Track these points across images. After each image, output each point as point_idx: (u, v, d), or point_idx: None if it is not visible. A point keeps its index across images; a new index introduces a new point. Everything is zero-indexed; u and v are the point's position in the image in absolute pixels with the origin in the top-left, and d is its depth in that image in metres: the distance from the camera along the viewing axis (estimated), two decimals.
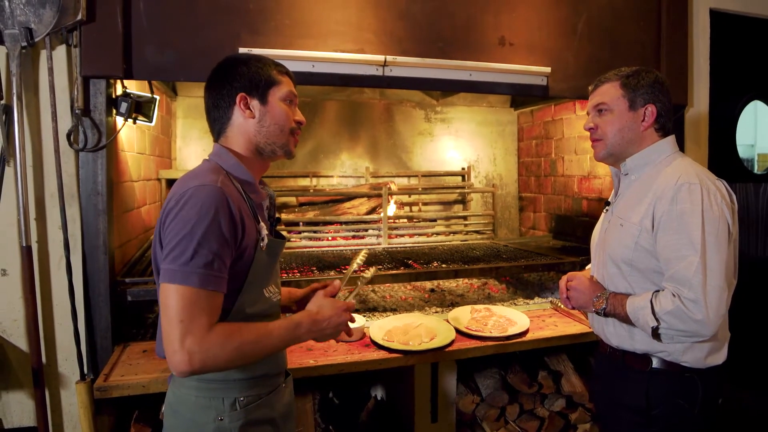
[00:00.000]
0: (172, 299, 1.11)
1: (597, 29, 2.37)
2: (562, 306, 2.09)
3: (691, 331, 1.35)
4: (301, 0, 2.02)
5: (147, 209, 2.61)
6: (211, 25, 1.93)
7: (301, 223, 3.11)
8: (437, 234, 3.46)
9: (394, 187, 3.30)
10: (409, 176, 3.69)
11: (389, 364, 1.91)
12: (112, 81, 1.91)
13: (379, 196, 3.20)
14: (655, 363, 1.49)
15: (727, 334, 1.53)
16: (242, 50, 1.90)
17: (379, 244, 3.19)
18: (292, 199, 3.35)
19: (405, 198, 3.63)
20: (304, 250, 3.01)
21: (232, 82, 1.30)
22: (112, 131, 1.91)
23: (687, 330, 1.36)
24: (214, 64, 1.92)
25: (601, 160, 1.65)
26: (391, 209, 3.33)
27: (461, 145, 3.78)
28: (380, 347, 1.96)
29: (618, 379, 1.60)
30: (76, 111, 1.82)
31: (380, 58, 2.04)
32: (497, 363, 2.33)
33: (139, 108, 1.98)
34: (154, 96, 2.04)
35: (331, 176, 3.51)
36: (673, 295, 1.37)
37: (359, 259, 1.60)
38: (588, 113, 1.66)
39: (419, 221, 3.45)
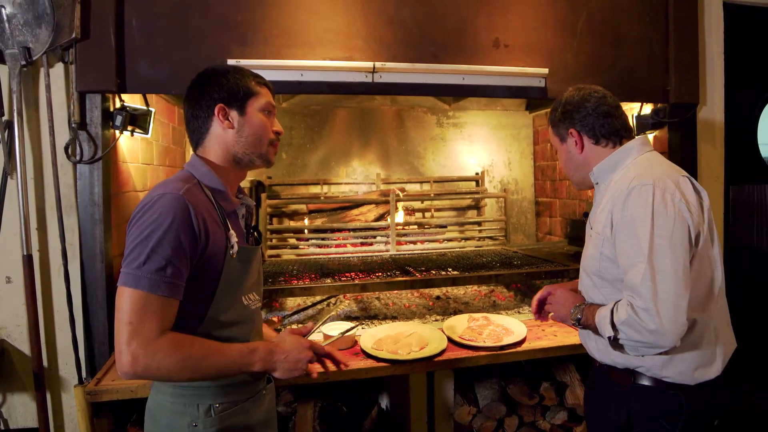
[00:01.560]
0: (123, 302, 1.13)
1: (598, 27, 2.29)
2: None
3: (648, 342, 1.27)
4: (289, 10, 2.04)
5: None
6: (202, 39, 1.98)
7: (306, 231, 3.13)
8: (448, 240, 3.42)
9: (400, 194, 3.28)
10: (421, 182, 3.66)
11: (376, 373, 1.89)
12: (108, 95, 1.98)
13: (388, 203, 3.19)
14: (640, 379, 1.42)
15: (720, 345, 1.41)
16: (231, 62, 1.94)
17: (387, 251, 3.17)
18: (303, 207, 3.39)
19: (417, 204, 3.61)
20: (312, 257, 3.03)
21: (210, 93, 1.32)
22: (109, 144, 1.98)
23: (644, 341, 1.27)
24: None
25: (581, 190, 1.64)
26: (400, 216, 3.31)
27: (475, 149, 3.72)
28: (369, 356, 1.94)
29: (603, 394, 1.53)
30: (73, 125, 1.89)
31: (369, 64, 2.04)
32: (499, 373, 2.27)
33: (135, 120, 2.04)
34: (150, 109, 2.11)
35: (342, 183, 3.53)
36: (629, 304, 1.30)
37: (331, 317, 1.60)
38: None
39: (429, 228, 3.41)
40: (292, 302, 2.74)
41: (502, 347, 1.98)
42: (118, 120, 1.96)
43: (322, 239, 3.17)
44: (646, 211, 1.31)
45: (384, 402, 2.40)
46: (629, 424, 1.41)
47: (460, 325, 2.18)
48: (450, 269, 2.55)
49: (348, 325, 2.08)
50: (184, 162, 3.31)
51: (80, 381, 1.91)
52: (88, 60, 1.88)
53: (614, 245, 1.38)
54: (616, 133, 1.53)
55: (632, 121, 2.55)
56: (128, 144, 2.25)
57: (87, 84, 1.89)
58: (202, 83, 1.34)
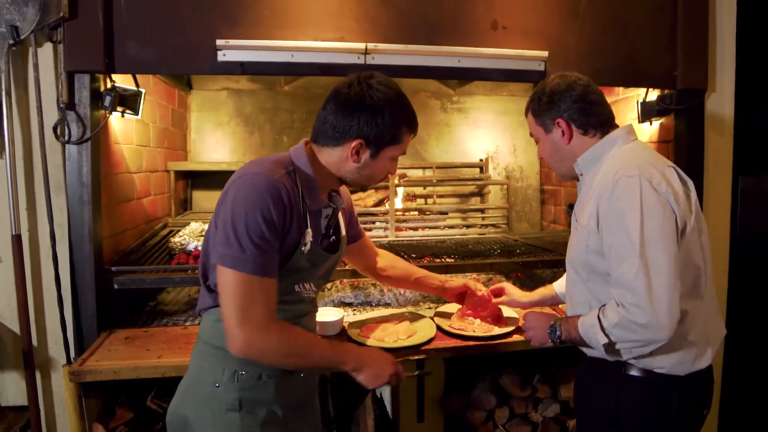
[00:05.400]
0: (229, 284, 1.19)
1: (602, 9, 2.20)
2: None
3: (644, 340, 1.24)
4: None
5: (152, 200, 2.68)
6: (191, 19, 1.94)
7: None
8: (450, 227, 3.37)
9: (399, 179, 3.23)
10: (424, 168, 3.61)
11: None
12: (97, 76, 1.96)
13: (387, 188, 3.15)
14: (630, 370, 1.38)
15: (710, 333, 1.38)
16: (220, 42, 1.90)
17: (386, 236, 3.14)
18: None
19: (419, 190, 3.56)
20: None
21: (360, 123, 1.30)
22: (98, 124, 1.96)
23: (640, 339, 1.24)
24: (194, 57, 1.96)
25: (563, 180, 1.60)
26: (398, 202, 3.27)
27: (479, 135, 3.66)
28: (355, 343, 1.92)
29: (593, 385, 1.50)
30: (61, 105, 1.88)
31: (361, 46, 1.98)
32: (492, 363, 2.24)
33: (125, 101, 2.03)
34: (140, 89, 2.08)
35: None
36: (618, 304, 1.26)
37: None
38: None
39: (430, 214, 3.37)
40: None
41: (493, 337, 1.94)
42: (107, 100, 1.94)
43: None
44: (634, 204, 1.26)
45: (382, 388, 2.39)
46: (618, 416, 1.37)
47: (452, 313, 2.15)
48: (446, 257, 2.51)
49: (337, 311, 2.06)
50: (185, 145, 3.31)
51: (68, 361, 1.93)
52: (76, 39, 1.86)
53: (601, 238, 1.33)
54: (606, 122, 1.48)
55: (637, 108, 2.46)
56: (121, 125, 2.24)
57: (75, 64, 1.87)
58: (358, 102, 1.30)
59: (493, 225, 3.47)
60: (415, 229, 3.29)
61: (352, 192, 1.82)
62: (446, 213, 3.37)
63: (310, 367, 1.35)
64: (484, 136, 3.65)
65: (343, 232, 1.58)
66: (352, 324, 2.02)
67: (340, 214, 1.56)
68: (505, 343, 1.94)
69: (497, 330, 1.97)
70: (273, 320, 1.22)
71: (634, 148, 1.43)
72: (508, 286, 2.03)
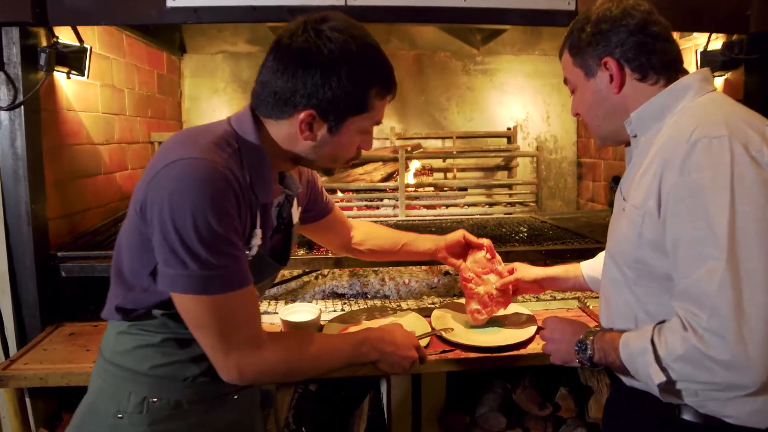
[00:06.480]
0: (196, 312, 0.93)
1: None
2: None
3: (723, 383, 0.84)
4: None
5: (127, 174, 2.42)
6: None
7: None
8: (471, 205, 2.97)
9: (410, 150, 2.85)
10: (443, 138, 3.21)
11: (339, 372, 1.54)
12: (34, 30, 1.67)
13: (396, 160, 2.78)
14: (685, 412, 0.97)
15: None
16: None
17: (395, 215, 2.78)
18: None
19: (437, 163, 3.16)
20: None
21: (306, 83, 0.96)
22: (34, 87, 1.68)
23: (717, 382, 0.84)
24: (139, 4, 1.63)
25: (604, 147, 1.15)
26: (410, 176, 2.89)
27: (507, 100, 3.23)
28: None
29: (633, 425, 1.10)
30: None
31: None
32: (505, 373, 1.87)
33: (65, 60, 1.73)
34: (84, 46, 1.78)
35: None
36: (685, 327, 0.86)
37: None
38: None
39: (448, 190, 2.97)
40: None
41: (500, 348, 1.56)
42: (42, 58, 1.65)
43: None
44: (720, 177, 0.85)
45: (384, 388, 2.07)
46: None
47: (451, 314, 1.77)
48: None
49: (311, 307, 1.73)
50: (179, 114, 3.04)
51: (6, 358, 1.69)
52: None
53: (664, 226, 0.93)
54: (672, 64, 1.04)
55: (695, 60, 1.97)
56: (78, 89, 1.96)
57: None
58: (302, 58, 0.95)
59: (521, 203, 3.05)
60: (433, 207, 2.91)
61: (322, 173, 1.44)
62: (466, 189, 2.97)
63: (325, 372, 1.15)
64: (513, 101, 3.23)
65: (296, 219, 1.24)
66: (330, 325, 1.69)
67: (294, 198, 1.22)
68: (516, 356, 1.56)
69: (494, 341, 1.57)
70: (262, 336, 0.99)
71: (716, 100, 0.99)
72: (518, 264, 1.64)
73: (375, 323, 1.63)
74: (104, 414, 1.02)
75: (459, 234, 1.59)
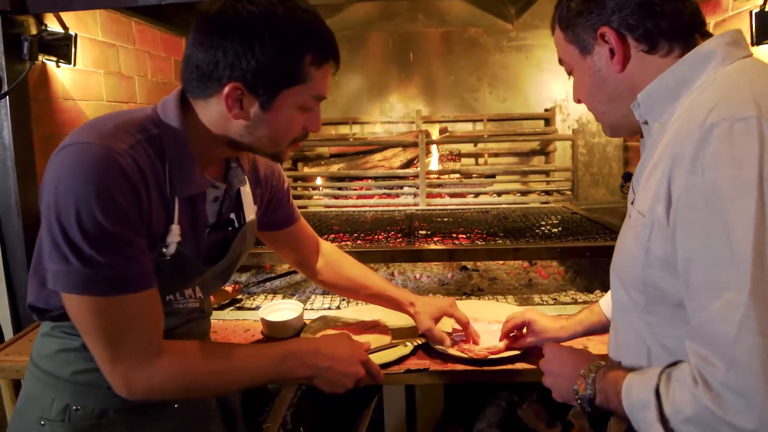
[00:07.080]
0: (80, 314, 0.84)
1: None
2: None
3: None
4: None
5: None
6: None
7: (319, 179, 2.68)
8: (502, 194, 2.75)
9: (434, 134, 2.66)
10: (474, 121, 2.99)
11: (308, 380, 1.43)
12: (18, 18, 1.64)
13: (416, 145, 2.60)
14: None
15: None
16: None
17: (416, 204, 2.62)
18: (326, 150, 2.92)
19: (467, 148, 2.95)
20: (324, 210, 2.60)
21: (227, 54, 0.83)
22: (18, 76, 1.65)
23: None
24: None
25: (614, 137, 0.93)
26: (434, 162, 2.71)
27: (544, 79, 2.95)
28: None
29: None
30: None
31: None
32: (512, 385, 1.68)
33: (50, 48, 1.69)
34: (69, 33, 1.73)
35: (375, 122, 2.98)
36: (696, 380, 0.64)
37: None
38: None
39: (474, 177, 2.76)
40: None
41: (492, 362, 1.37)
42: (25, 47, 1.62)
43: (339, 189, 2.70)
44: (744, 176, 0.62)
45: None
46: None
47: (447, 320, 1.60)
48: (477, 232, 1.96)
49: (294, 304, 1.61)
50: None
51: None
52: None
53: (673, 238, 0.71)
54: (689, 27, 0.80)
55: (750, 24, 1.64)
56: (77, 78, 1.93)
57: None
58: (220, 24, 0.83)
59: (558, 191, 2.79)
60: (462, 195, 2.72)
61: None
62: (493, 176, 2.75)
63: (237, 389, 1.04)
64: (551, 80, 2.95)
65: (250, 217, 1.11)
66: (312, 327, 1.56)
67: (248, 194, 1.10)
68: (509, 371, 1.36)
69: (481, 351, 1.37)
70: (158, 347, 0.88)
71: (746, 70, 0.74)
72: (535, 315, 1.32)
73: (363, 326, 1.51)
74: (29, 419, 0.97)
75: (440, 308, 1.36)
